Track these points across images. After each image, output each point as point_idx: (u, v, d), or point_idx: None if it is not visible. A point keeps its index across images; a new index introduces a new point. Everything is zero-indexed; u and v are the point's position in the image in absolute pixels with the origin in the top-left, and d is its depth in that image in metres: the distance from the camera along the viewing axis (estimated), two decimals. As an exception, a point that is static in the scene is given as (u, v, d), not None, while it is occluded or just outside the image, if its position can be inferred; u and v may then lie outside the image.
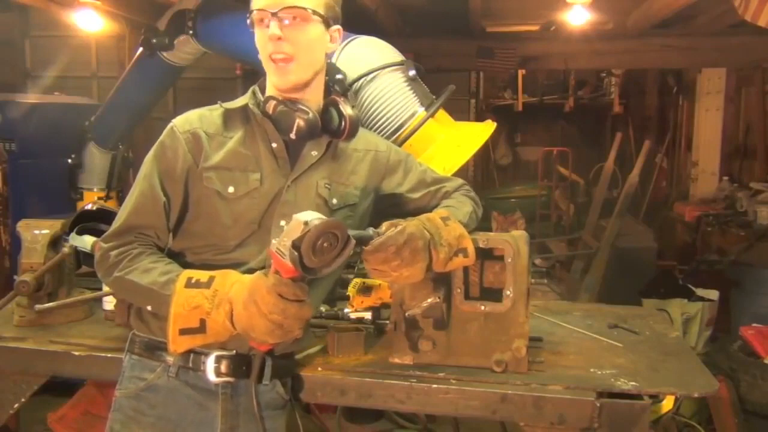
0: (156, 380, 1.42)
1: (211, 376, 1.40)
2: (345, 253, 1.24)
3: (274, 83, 1.47)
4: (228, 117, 1.49)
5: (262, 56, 1.44)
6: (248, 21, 1.46)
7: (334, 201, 1.50)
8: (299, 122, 1.42)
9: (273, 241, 1.25)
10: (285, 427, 1.54)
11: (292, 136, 1.43)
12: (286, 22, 1.40)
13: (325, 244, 1.20)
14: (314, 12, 1.42)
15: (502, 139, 9.32)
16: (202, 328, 1.30)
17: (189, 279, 1.33)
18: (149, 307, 1.41)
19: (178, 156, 1.44)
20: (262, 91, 1.52)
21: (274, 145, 1.47)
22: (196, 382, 1.42)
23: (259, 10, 1.41)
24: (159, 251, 1.46)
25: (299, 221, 1.21)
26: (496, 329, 1.59)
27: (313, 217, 1.22)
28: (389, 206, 1.62)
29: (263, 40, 1.42)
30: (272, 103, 1.46)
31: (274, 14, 1.39)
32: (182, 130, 1.45)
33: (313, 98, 1.50)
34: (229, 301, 1.29)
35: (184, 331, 1.30)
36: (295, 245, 1.19)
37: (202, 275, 1.33)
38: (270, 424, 1.47)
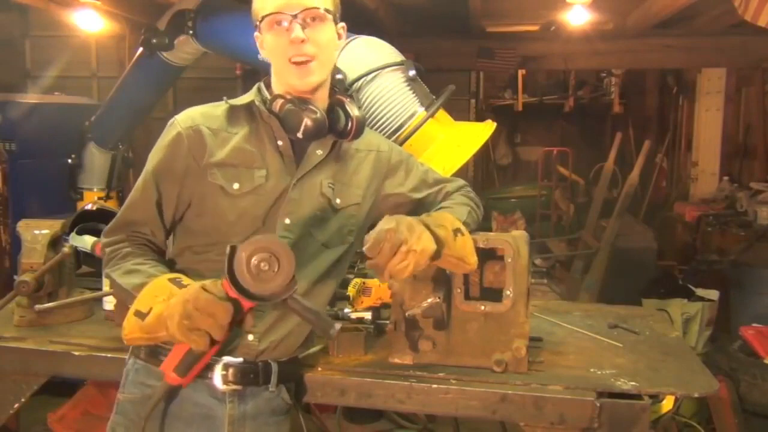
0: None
1: (219, 384, 1.39)
2: (286, 270, 1.15)
3: (294, 86, 1.43)
4: (232, 113, 1.47)
5: (279, 60, 1.41)
6: (257, 26, 1.43)
7: (338, 201, 1.49)
8: (307, 122, 1.40)
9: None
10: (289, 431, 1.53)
11: (300, 135, 1.41)
12: (308, 21, 1.39)
13: (262, 265, 1.14)
14: (326, 10, 1.41)
15: (502, 139, 9.31)
16: (146, 314, 1.27)
17: (174, 278, 1.32)
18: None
19: (178, 153, 1.43)
20: (268, 88, 1.50)
21: (280, 143, 1.45)
22: (203, 390, 1.41)
23: (274, 13, 1.39)
24: (154, 252, 1.45)
25: (228, 246, 1.17)
26: (496, 329, 1.59)
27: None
28: (392, 207, 1.61)
29: (281, 44, 1.39)
30: (279, 101, 1.43)
31: (294, 17, 1.37)
32: (184, 126, 1.43)
33: (322, 98, 1.49)
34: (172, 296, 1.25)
35: (137, 313, 1.28)
36: (229, 270, 1.15)
37: (186, 279, 1.32)
38: (275, 430, 1.47)
